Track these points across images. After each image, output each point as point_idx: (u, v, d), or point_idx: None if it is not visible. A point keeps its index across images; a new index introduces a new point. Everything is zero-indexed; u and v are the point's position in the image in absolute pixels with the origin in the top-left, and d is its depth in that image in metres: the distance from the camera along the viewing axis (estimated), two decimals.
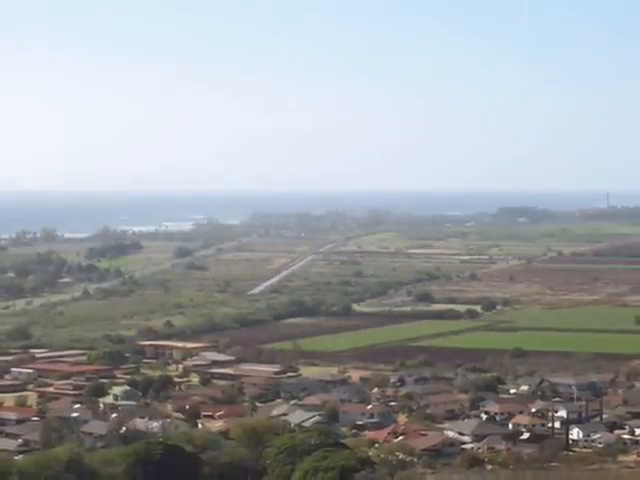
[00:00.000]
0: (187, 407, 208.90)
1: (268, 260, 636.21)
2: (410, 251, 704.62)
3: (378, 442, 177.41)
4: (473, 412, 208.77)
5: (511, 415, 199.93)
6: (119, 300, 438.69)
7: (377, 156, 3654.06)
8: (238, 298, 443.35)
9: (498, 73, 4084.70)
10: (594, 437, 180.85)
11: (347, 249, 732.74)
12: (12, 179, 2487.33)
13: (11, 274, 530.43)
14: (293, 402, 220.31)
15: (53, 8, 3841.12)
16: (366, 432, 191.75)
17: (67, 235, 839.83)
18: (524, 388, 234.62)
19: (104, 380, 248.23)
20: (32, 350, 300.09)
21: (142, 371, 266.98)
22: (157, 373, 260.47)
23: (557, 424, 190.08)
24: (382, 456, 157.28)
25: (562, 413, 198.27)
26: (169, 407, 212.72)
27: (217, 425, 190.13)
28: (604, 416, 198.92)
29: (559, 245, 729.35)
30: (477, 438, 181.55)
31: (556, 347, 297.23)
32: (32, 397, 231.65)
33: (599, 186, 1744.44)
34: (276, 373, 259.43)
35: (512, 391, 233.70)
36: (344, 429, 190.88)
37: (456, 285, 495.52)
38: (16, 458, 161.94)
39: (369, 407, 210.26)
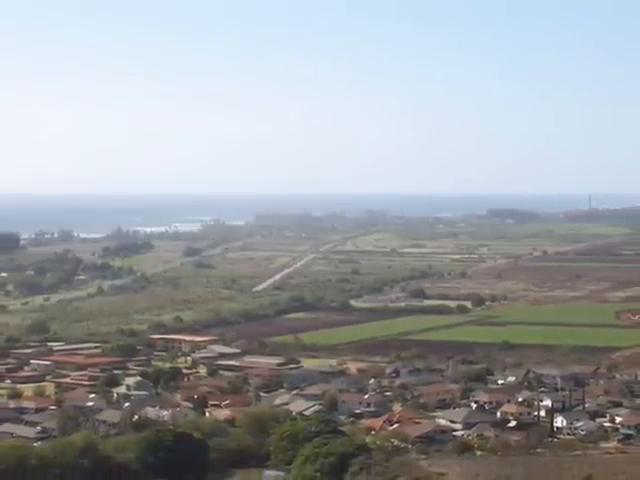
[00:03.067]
0: (195, 397, 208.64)
1: (271, 259, 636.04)
2: (404, 250, 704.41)
3: (374, 430, 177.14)
4: (463, 401, 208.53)
5: (499, 404, 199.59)
6: (131, 296, 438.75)
7: (374, 161, 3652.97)
8: (243, 294, 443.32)
9: (486, 84, 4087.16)
10: (577, 425, 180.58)
11: (345, 248, 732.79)
12: (31, 183, 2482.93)
13: (30, 272, 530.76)
14: (295, 392, 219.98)
15: (71, 24, 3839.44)
16: (363, 420, 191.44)
17: (83, 235, 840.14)
18: (511, 379, 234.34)
19: (117, 371, 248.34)
20: (50, 343, 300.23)
21: (153, 363, 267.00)
22: (167, 365, 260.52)
23: (542, 413, 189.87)
24: (378, 443, 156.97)
25: (547, 402, 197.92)
26: (178, 397, 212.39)
27: (223, 414, 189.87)
28: (586, 405, 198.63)
29: (544, 245, 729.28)
30: (467, 426, 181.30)
31: (541, 340, 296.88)
32: (50, 387, 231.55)
33: (582, 189, 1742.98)
34: (279, 365, 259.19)
35: (500, 382, 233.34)
36: (343, 417, 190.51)
37: (447, 282, 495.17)
38: (35, 445, 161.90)
39: (366, 397, 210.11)
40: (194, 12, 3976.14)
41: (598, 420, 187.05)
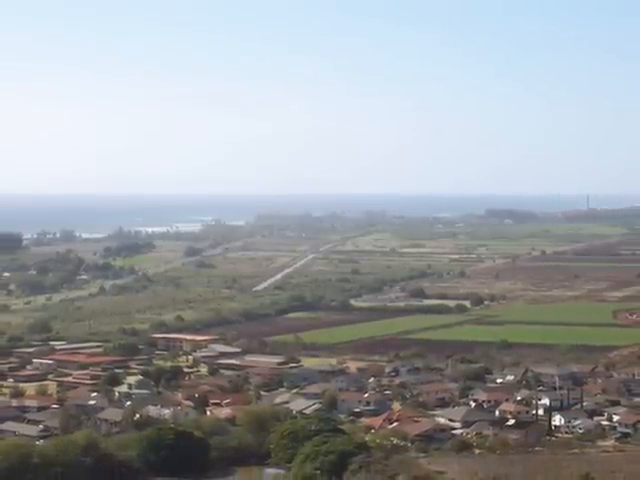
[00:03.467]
0: (196, 395, 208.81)
1: (271, 259, 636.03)
2: (404, 250, 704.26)
3: (374, 428, 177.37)
4: (462, 400, 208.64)
5: (498, 403, 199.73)
6: (133, 296, 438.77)
7: (373, 161, 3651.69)
8: (244, 294, 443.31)
9: (486, 85, 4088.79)
10: (575, 423, 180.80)
11: (345, 248, 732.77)
12: (31, 183, 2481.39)
13: (33, 272, 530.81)
14: (295, 391, 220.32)
15: (71, 24, 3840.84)
16: (363, 419, 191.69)
17: (85, 235, 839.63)
18: (510, 378, 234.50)
19: (119, 370, 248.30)
20: (52, 342, 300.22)
21: (154, 362, 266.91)
22: (168, 364, 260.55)
23: (540, 411, 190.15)
24: (378, 441, 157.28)
25: (545, 401, 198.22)
26: (179, 395, 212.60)
27: (224, 412, 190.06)
28: (584, 404, 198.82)
29: (542, 245, 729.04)
30: (466, 424, 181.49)
31: (539, 339, 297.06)
32: (52, 386, 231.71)
33: (580, 190, 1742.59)
34: (279, 364, 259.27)
35: (499, 380, 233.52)
36: (342, 416, 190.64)
37: (446, 282, 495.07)
38: (37, 443, 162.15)
39: (366, 395, 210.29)
40: (194, 12, 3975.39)
41: (596, 419, 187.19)
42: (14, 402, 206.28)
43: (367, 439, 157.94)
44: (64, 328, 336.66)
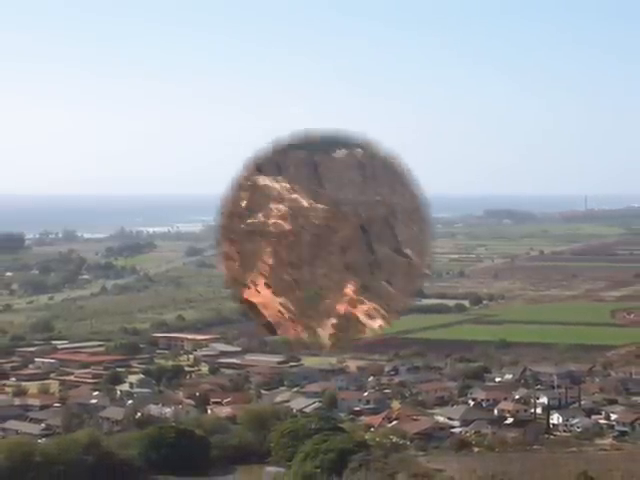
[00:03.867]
0: (197, 394, 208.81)
1: None
2: None
3: (373, 426, 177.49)
4: (461, 399, 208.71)
5: (496, 401, 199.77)
6: (134, 295, 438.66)
7: None
8: None
9: (485, 86, 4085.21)
10: (573, 422, 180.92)
11: None
12: (31, 184, 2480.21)
13: (35, 271, 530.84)
14: (295, 389, 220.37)
15: (71, 25, 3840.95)
16: (362, 417, 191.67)
17: (86, 235, 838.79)
18: (508, 377, 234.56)
19: (121, 369, 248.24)
20: (54, 341, 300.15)
21: (156, 361, 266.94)
22: (169, 363, 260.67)
23: (539, 410, 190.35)
24: (377, 439, 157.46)
25: (543, 400, 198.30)
26: (181, 394, 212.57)
27: (225, 411, 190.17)
28: (582, 402, 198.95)
29: (541, 245, 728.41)
30: (465, 423, 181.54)
31: (538, 339, 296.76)
32: (54, 385, 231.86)
33: (578, 190, 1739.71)
34: (279, 363, 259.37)
35: (497, 379, 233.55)
36: (342, 415, 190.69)
37: (446, 282, 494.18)
38: (40, 441, 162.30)
39: (365, 394, 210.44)
40: (194, 13, 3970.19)
41: (593, 417, 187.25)
42: (16, 401, 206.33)
43: (367, 437, 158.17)
44: (66, 327, 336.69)
